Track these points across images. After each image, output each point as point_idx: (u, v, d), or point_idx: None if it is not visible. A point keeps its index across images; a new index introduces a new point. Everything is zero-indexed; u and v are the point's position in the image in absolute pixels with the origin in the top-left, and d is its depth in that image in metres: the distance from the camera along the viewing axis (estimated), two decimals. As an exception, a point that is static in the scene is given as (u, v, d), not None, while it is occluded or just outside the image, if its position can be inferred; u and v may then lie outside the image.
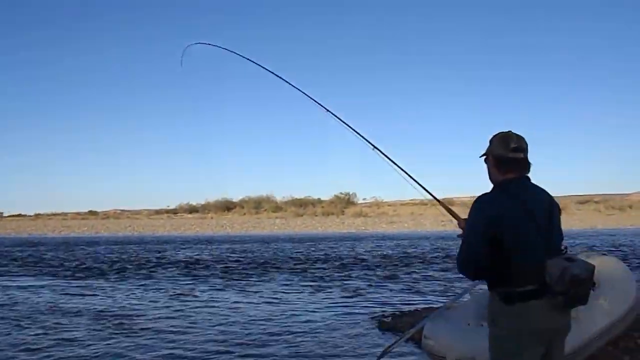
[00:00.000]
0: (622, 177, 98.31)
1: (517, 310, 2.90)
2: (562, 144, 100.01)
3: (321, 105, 5.28)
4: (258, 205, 78.07)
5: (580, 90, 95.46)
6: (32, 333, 7.62)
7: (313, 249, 24.82)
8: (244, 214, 75.57)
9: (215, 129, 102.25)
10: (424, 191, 5.04)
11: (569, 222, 52.39)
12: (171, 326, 7.95)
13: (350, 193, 77.76)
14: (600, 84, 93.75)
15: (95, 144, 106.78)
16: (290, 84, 5.55)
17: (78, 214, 79.61)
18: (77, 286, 12.54)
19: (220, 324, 8.08)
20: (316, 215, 71.67)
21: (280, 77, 5.68)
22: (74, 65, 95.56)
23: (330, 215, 70.88)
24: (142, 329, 7.76)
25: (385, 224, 54.04)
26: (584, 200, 76.09)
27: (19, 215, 79.26)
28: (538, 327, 2.92)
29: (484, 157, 3.20)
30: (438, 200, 5.04)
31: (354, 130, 5.12)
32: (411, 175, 4.97)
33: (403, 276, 14.01)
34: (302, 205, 76.51)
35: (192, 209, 79.98)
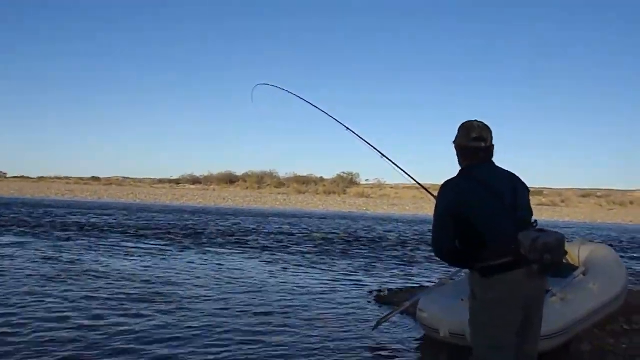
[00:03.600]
0: (627, 174, 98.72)
1: (496, 282, 3.10)
2: (570, 139, 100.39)
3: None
4: (261, 180, 78.34)
5: (586, 85, 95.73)
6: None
7: (315, 226, 25.06)
8: (247, 188, 75.79)
9: (220, 103, 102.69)
10: (408, 177, 5.47)
11: (569, 214, 52.71)
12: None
13: (354, 173, 78.04)
14: (607, 78, 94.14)
15: (100, 111, 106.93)
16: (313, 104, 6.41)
17: (81, 179, 79.97)
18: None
19: (224, 294, 8.30)
20: (318, 194, 71.86)
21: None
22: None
23: (332, 194, 71.07)
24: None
25: (386, 206, 54.23)
26: (586, 194, 76.24)
27: (22, 177, 79.68)
28: (516, 295, 3.12)
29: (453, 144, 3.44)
30: (421, 185, 5.47)
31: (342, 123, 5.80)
32: (395, 162, 5.47)
33: (402, 256, 14.24)
34: (304, 182, 76.77)
35: (195, 180, 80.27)
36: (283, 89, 6.74)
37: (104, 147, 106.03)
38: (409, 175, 5.59)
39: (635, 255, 17.10)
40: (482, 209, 3.15)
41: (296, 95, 6.54)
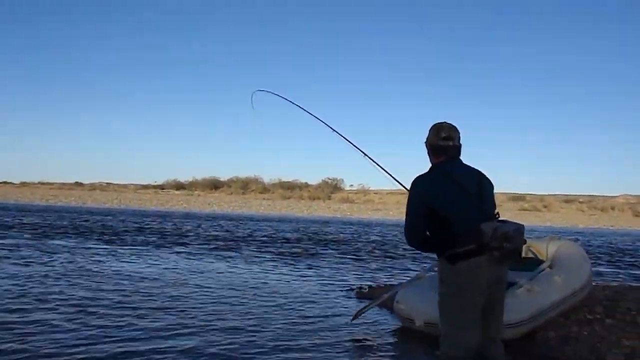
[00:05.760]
0: (609, 180, 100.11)
1: (461, 268, 3.43)
2: (554, 147, 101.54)
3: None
4: (245, 185, 78.34)
5: (569, 92, 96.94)
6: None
7: (300, 229, 25.35)
8: (231, 193, 75.75)
9: (206, 110, 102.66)
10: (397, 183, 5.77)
11: (551, 219, 53.34)
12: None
13: (338, 179, 78.31)
14: (588, 83, 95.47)
15: (82, 116, 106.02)
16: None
17: (64, 184, 79.48)
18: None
19: (207, 295, 8.58)
20: (302, 199, 72.01)
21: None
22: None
23: (316, 200, 71.28)
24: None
25: (370, 211, 54.56)
26: (569, 200, 77.16)
27: (4, 182, 79.17)
28: (479, 280, 3.45)
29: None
30: (398, 181, 5.77)
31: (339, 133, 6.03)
32: (385, 169, 5.76)
33: (384, 256, 14.63)
34: (289, 188, 76.88)
35: (179, 186, 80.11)
36: (277, 95, 6.88)
37: (86, 153, 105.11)
38: (388, 173, 5.87)
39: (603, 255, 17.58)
40: (451, 200, 3.48)
41: (290, 101, 6.72)
